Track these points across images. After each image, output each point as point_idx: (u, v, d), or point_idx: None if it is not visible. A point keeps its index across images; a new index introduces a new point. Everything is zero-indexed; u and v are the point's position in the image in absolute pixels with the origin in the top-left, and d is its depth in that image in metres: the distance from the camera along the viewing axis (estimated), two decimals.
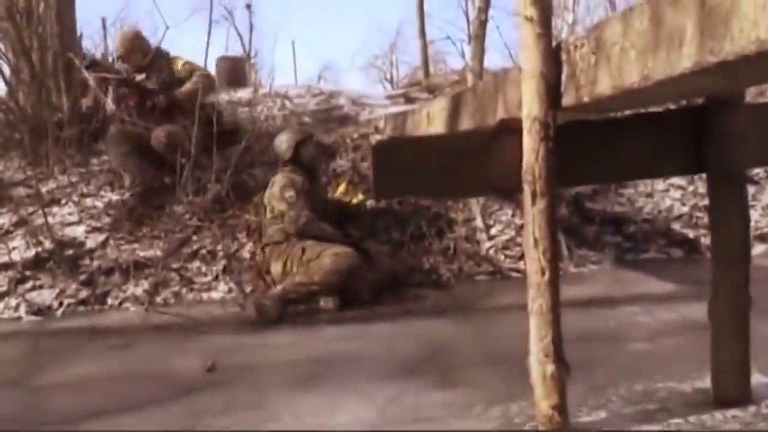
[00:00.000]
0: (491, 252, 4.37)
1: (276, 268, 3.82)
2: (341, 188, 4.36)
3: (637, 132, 1.95)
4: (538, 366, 1.73)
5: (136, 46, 4.87)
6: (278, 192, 3.89)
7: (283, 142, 4.08)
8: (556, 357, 1.72)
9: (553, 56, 1.61)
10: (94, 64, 4.83)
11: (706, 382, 2.04)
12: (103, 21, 7.40)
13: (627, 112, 2.28)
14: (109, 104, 4.83)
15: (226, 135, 4.78)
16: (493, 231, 4.52)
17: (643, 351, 2.63)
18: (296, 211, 3.81)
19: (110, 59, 6.62)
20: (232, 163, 4.55)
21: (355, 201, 4.31)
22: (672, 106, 2.69)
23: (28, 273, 4.06)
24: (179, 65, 4.83)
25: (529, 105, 1.64)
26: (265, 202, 4.02)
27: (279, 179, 3.96)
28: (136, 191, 4.49)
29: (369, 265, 3.78)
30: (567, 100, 1.61)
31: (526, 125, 1.66)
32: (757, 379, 2.01)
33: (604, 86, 1.43)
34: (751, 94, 5.26)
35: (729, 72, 1.08)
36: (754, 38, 0.93)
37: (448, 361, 2.68)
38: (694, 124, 1.92)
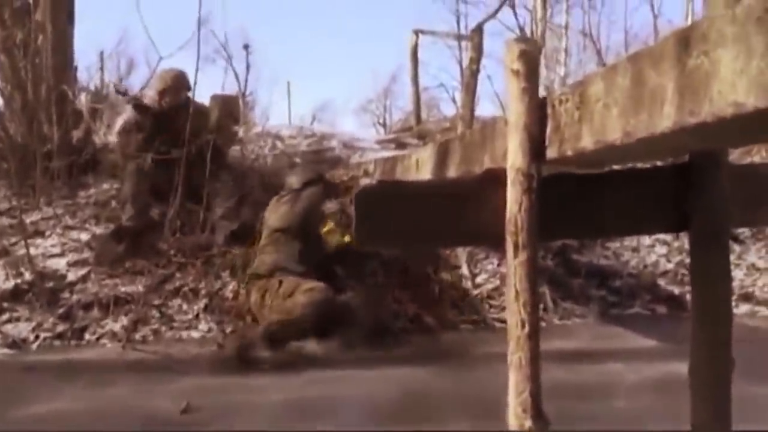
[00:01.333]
0: (476, 300, 4.35)
1: (254, 297, 3.86)
2: (327, 227, 4.34)
3: (621, 187, 1.96)
4: (516, 421, 1.70)
5: (180, 85, 4.86)
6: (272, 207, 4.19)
7: (293, 183, 4.34)
8: (535, 412, 1.69)
9: (538, 109, 1.63)
10: (137, 105, 4.82)
11: None
12: (101, 54, 7.45)
13: (613, 167, 2.29)
14: (111, 135, 4.82)
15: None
16: (478, 279, 4.51)
17: (624, 408, 2.60)
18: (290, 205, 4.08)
19: (105, 92, 6.67)
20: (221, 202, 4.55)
21: (342, 240, 4.28)
22: (659, 163, 2.71)
23: (5, 304, 3.99)
24: (213, 117, 4.88)
25: (513, 156, 1.65)
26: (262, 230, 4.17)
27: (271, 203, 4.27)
28: (131, 225, 4.44)
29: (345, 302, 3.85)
30: (551, 153, 1.61)
31: (510, 176, 1.66)
32: None
33: (587, 141, 1.43)
34: (737, 154, 5.34)
35: (708, 133, 1.09)
36: (732, 101, 0.93)
37: (426, 411, 2.64)
38: (679, 181, 1.92)
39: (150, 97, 4.91)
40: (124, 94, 4.98)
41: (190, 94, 4.89)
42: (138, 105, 4.82)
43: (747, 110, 0.92)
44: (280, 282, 3.79)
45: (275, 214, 4.16)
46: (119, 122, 4.99)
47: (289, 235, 4.03)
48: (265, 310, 3.76)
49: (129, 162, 4.65)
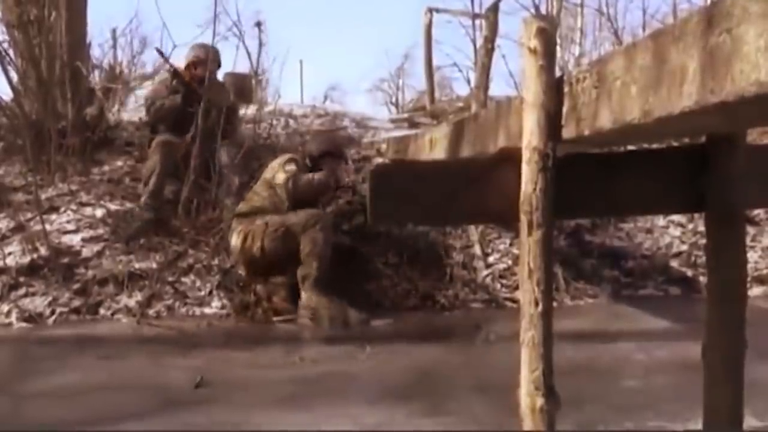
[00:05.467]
0: (488, 280, 4.36)
1: (235, 241, 3.93)
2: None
3: (636, 167, 1.94)
4: (528, 398, 1.70)
5: (213, 61, 4.89)
6: (280, 163, 4.08)
7: (312, 151, 4.27)
8: (547, 390, 1.70)
9: (555, 88, 1.61)
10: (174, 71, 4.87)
11: (697, 424, 2.01)
12: (113, 31, 7.41)
13: (628, 147, 2.27)
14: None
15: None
16: (490, 259, 4.51)
17: (636, 388, 2.61)
18: (289, 175, 3.96)
19: (118, 69, 6.67)
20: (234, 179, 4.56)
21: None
22: (674, 143, 2.69)
23: (22, 279, 4.03)
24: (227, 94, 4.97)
25: (529, 135, 1.64)
26: (265, 176, 4.12)
27: (284, 157, 4.18)
28: (155, 202, 4.46)
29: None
30: (568, 132, 1.60)
31: (525, 156, 1.65)
32: (750, 423, 1.98)
33: (605, 120, 1.42)
34: (755, 134, 5.28)
35: (729, 112, 1.07)
36: (754, 80, 0.92)
37: (437, 388, 2.65)
38: (695, 161, 1.91)
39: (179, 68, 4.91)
40: (162, 55, 4.95)
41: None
42: (175, 71, 4.85)
43: None
44: (266, 224, 3.85)
45: (277, 173, 4.05)
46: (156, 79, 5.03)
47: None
48: (254, 250, 3.85)
49: (156, 138, 4.63)
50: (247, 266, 4.00)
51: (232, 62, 5.76)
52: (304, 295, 3.74)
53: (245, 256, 3.93)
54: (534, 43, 1.62)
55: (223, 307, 3.98)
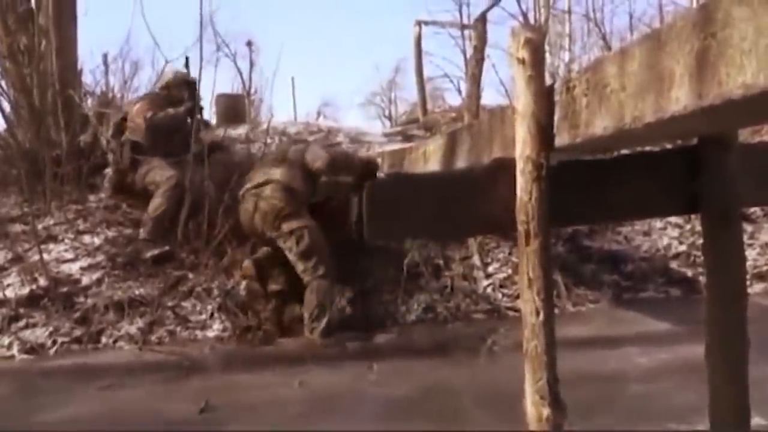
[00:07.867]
0: (488, 290, 4.35)
1: (248, 212, 4.07)
2: None
3: (631, 172, 1.95)
4: (534, 408, 1.70)
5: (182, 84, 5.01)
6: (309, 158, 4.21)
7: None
8: (552, 399, 1.69)
9: (545, 97, 1.62)
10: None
11: (705, 425, 2.01)
12: (105, 57, 7.42)
13: (622, 151, 2.28)
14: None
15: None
16: (490, 269, 4.50)
17: (642, 392, 2.60)
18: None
19: (110, 95, 6.68)
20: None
21: None
22: (668, 146, 2.70)
23: (22, 310, 4.01)
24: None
25: (522, 145, 1.64)
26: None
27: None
28: (155, 237, 4.47)
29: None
30: (560, 140, 1.61)
31: (519, 165, 1.66)
32: (756, 421, 1.98)
33: (597, 127, 1.43)
34: (746, 133, 5.30)
35: (717, 115, 1.08)
36: (740, 83, 0.93)
37: (442, 402, 2.64)
38: (689, 163, 1.92)
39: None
40: (187, 64, 5.09)
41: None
42: (191, 83, 4.97)
43: (756, 91, 0.92)
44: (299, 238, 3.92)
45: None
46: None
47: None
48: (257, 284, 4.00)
49: (164, 181, 4.61)
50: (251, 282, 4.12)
51: (224, 83, 5.77)
52: (308, 334, 3.77)
53: (253, 287, 4.09)
54: (522, 53, 1.63)
55: (224, 329, 3.96)
